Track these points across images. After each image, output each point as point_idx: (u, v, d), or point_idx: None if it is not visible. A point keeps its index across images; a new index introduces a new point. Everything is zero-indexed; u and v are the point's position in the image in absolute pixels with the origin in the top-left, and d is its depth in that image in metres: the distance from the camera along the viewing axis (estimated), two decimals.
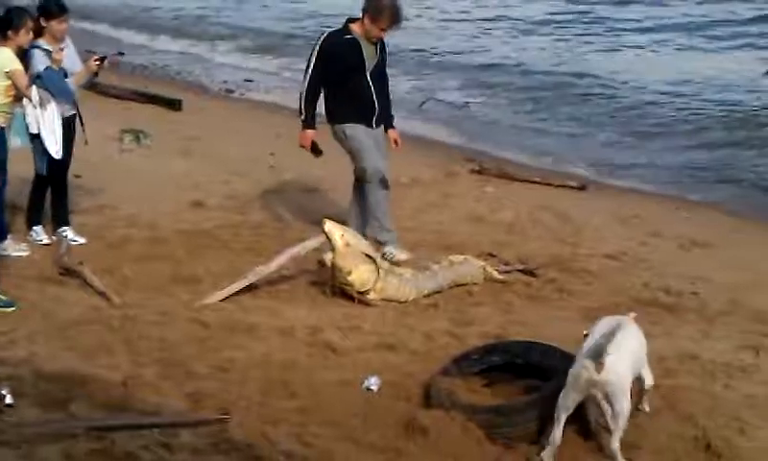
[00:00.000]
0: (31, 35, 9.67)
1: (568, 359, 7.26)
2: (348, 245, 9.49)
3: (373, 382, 7.68)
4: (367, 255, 9.55)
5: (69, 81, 10.45)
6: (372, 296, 9.50)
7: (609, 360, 6.58)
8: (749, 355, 8.64)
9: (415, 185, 13.88)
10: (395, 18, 10.41)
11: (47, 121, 9.94)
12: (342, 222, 10.08)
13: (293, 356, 8.19)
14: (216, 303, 9.25)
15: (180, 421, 6.93)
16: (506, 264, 10.70)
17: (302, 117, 10.66)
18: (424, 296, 9.76)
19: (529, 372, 7.46)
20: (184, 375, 7.73)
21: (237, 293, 9.44)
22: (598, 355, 6.58)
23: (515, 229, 12.33)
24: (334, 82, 10.52)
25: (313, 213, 11.76)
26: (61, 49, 10.29)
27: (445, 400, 7.16)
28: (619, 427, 6.67)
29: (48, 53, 10.28)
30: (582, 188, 14.42)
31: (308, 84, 10.54)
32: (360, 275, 9.47)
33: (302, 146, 10.80)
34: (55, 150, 10.06)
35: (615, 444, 6.67)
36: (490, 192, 13.97)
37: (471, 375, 7.58)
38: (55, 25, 10.32)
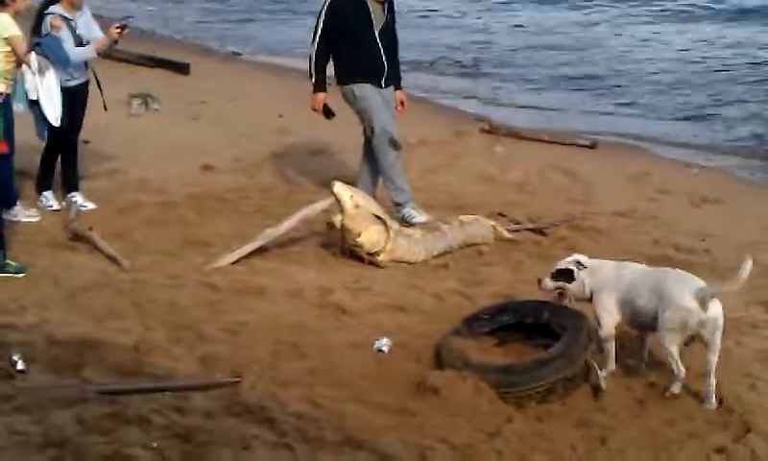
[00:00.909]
0: (29, 1, 9.59)
1: (578, 318, 7.28)
2: (357, 206, 9.48)
3: (384, 344, 7.69)
4: (376, 217, 9.54)
5: (88, 48, 10.44)
6: (381, 257, 9.51)
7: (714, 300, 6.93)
8: (759, 311, 8.65)
9: (424, 145, 13.85)
10: None
11: (45, 88, 9.83)
12: (351, 183, 10.08)
13: (303, 318, 8.20)
14: (226, 266, 9.26)
15: (191, 384, 6.95)
16: (516, 223, 10.70)
17: (313, 80, 10.63)
18: (434, 256, 9.77)
19: (539, 331, 7.47)
20: (195, 338, 7.74)
21: (247, 255, 9.45)
22: (704, 298, 6.86)
23: (525, 188, 12.32)
24: (343, 42, 10.48)
25: (322, 175, 11.78)
26: (66, 19, 10.28)
27: (457, 360, 7.17)
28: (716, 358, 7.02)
29: (64, 19, 10.26)
30: (592, 147, 14.37)
31: (317, 46, 10.51)
32: (370, 236, 9.47)
33: (314, 109, 10.77)
34: (53, 117, 9.96)
35: (713, 370, 7.02)
36: (499, 152, 13.93)
37: (482, 335, 7.58)
38: None
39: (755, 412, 6.90)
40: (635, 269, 7.48)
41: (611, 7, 24.54)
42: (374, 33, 10.47)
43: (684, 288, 6.98)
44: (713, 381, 7.02)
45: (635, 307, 7.25)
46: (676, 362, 7.01)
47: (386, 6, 10.56)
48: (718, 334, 6.97)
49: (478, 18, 24.16)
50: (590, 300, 7.48)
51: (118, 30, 10.45)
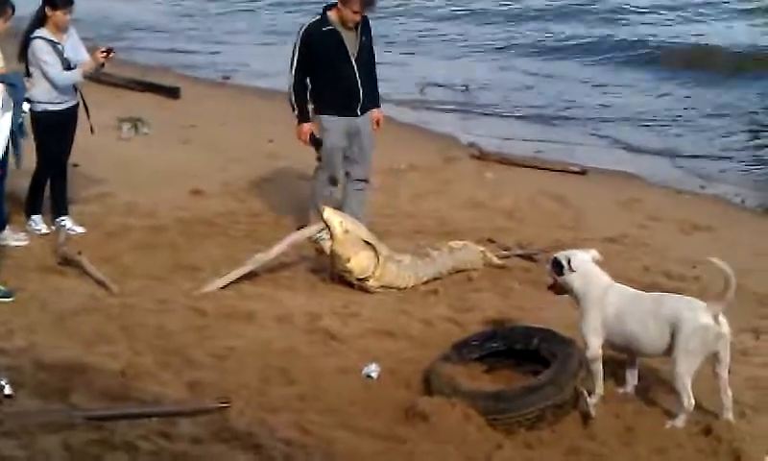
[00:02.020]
0: (9, 24, 9.56)
1: (568, 344, 7.27)
2: (346, 232, 9.48)
3: (373, 369, 7.69)
4: (366, 242, 9.53)
5: (75, 72, 10.44)
6: (371, 283, 9.49)
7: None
8: (749, 338, 8.64)
9: (414, 171, 13.84)
10: (365, 0, 10.33)
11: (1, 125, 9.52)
12: (340, 209, 10.07)
13: (292, 344, 8.19)
14: (215, 291, 9.24)
15: (179, 409, 6.92)
16: (506, 249, 10.69)
17: (295, 112, 10.55)
18: (424, 282, 9.75)
19: (529, 357, 7.45)
20: (183, 363, 7.73)
21: (237, 280, 9.42)
22: (716, 313, 7.01)
23: (514, 214, 12.30)
24: (318, 73, 10.41)
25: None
26: (53, 43, 10.27)
27: (446, 386, 7.16)
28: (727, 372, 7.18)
29: (51, 43, 10.26)
30: (582, 173, 14.38)
31: (294, 76, 10.42)
32: (359, 262, 9.45)
33: (301, 140, 10.71)
34: None
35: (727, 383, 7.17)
36: (490, 177, 13.92)
37: (472, 361, 7.58)
38: (60, 15, 10.31)
39: (744, 440, 6.89)
40: (624, 292, 7.47)
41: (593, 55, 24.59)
42: (351, 61, 10.40)
43: (696, 307, 7.08)
44: (730, 393, 7.13)
45: (626, 332, 7.25)
46: (688, 394, 7.02)
47: (359, 29, 10.51)
48: (728, 348, 7.11)
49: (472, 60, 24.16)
50: (577, 302, 7.53)
51: (104, 54, 10.44)
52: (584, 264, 7.51)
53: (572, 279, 7.48)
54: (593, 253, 7.67)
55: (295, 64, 10.42)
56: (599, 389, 7.32)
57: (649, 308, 7.22)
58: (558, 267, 7.56)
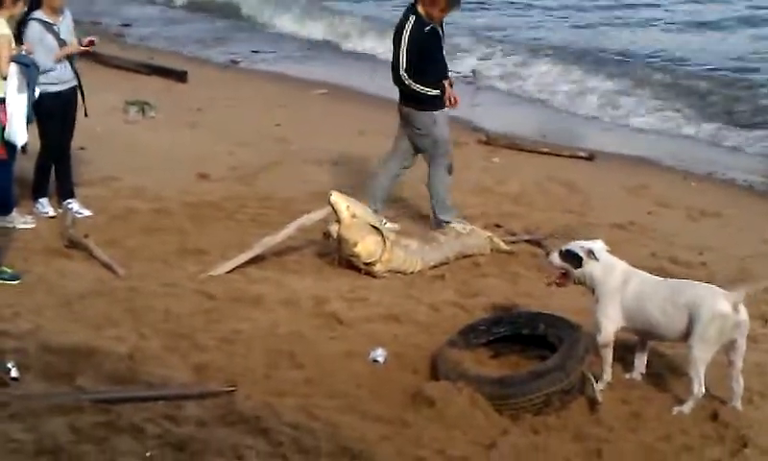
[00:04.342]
0: (24, 6, 9.57)
1: (574, 329, 7.26)
2: (354, 216, 9.46)
3: (380, 354, 7.68)
4: (373, 227, 9.52)
5: (47, 57, 10.40)
6: (378, 267, 9.48)
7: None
8: (757, 325, 8.58)
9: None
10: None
11: (17, 104, 9.49)
12: (348, 193, 10.03)
13: (299, 328, 8.18)
14: (222, 275, 9.23)
15: (185, 393, 6.92)
16: (512, 235, 10.68)
17: (431, 93, 10.43)
18: (431, 267, 9.74)
19: (536, 342, 7.44)
20: (190, 346, 7.72)
21: (244, 264, 9.42)
22: (735, 301, 6.99)
23: (522, 199, 12.28)
24: (425, 73, 10.39)
25: (319, 184, 11.73)
26: (49, 24, 10.27)
27: (452, 371, 7.16)
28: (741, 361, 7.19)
29: (46, 25, 10.24)
30: (590, 159, 14.34)
31: (408, 71, 10.30)
32: (366, 246, 9.44)
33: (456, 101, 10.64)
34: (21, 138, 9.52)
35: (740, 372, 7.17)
36: (497, 163, 13.91)
37: (478, 346, 7.57)
38: None
39: (752, 426, 6.89)
40: (644, 278, 7.44)
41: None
42: (444, 56, 10.59)
43: (715, 295, 7.07)
44: (741, 382, 7.13)
45: (645, 317, 7.22)
46: (700, 381, 7.02)
47: (442, 26, 10.57)
48: (745, 336, 7.11)
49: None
50: (592, 292, 7.48)
51: (85, 47, 10.50)
52: (603, 252, 7.50)
53: (592, 269, 7.44)
54: (600, 242, 7.64)
55: (405, 61, 10.30)
56: (607, 375, 7.32)
57: (668, 295, 7.20)
58: (575, 259, 7.52)
